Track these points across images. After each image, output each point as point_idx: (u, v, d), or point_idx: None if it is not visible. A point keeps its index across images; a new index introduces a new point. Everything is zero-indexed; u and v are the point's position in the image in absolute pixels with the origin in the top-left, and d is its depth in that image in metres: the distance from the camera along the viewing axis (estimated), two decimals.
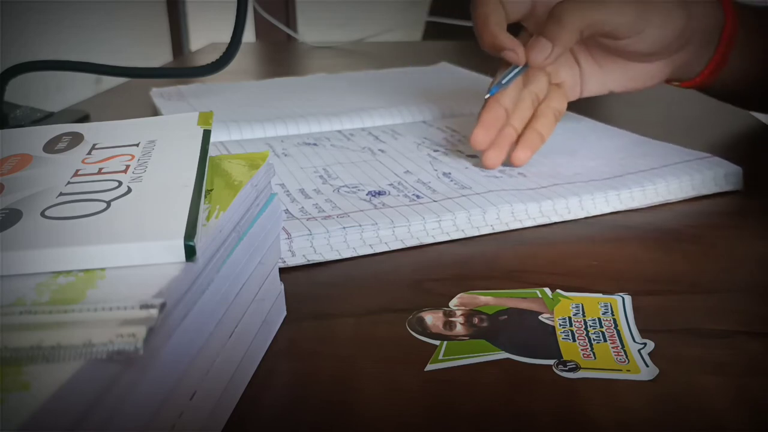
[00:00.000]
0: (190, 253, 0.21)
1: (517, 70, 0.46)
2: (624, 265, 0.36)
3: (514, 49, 0.45)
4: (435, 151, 0.51)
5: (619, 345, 0.29)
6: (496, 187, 0.42)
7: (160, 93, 0.71)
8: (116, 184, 0.25)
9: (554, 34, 0.44)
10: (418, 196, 0.42)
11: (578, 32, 0.44)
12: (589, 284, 0.34)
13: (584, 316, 0.31)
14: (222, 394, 0.24)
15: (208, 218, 0.24)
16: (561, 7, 0.45)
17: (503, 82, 0.46)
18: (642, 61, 0.50)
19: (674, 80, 0.55)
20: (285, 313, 0.32)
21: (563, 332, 0.30)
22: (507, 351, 0.28)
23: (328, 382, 0.27)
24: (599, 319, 0.31)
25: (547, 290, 0.33)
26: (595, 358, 0.28)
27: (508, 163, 0.47)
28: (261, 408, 0.26)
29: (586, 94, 0.52)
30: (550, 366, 0.27)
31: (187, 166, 0.26)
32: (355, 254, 0.37)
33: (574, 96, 0.52)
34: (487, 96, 0.47)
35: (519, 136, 0.47)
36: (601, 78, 0.51)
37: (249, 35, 1.49)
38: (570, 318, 0.31)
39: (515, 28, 0.48)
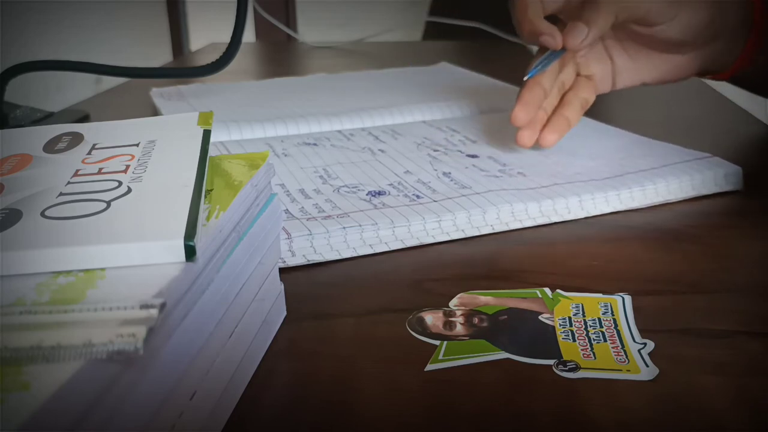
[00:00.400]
0: (190, 253, 0.21)
1: (554, 54, 0.48)
2: (624, 265, 0.36)
3: (551, 33, 0.46)
4: (435, 150, 0.51)
5: (619, 345, 0.29)
6: (496, 187, 0.42)
7: (160, 93, 0.71)
8: (116, 184, 0.25)
9: (590, 18, 0.46)
10: (418, 196, 0.42)
11: (613, 15, 0.46)
12: (589, 284, 0.34)
13: (584, 316, 0.31)
14: (222, 394, 0.24)
15: (208, 218, 0.24)
16: None
17: (541, 66, 0.48)
18: (673, 52, 0.52)
19: (706, 73, 0.55)
20: (285, 313, 0.32)
21: (563, 332, 0.30)
22: (507, 351, 0.28)
23: (328, 382, 0.27)
24: (599, 319, 0.31)
25: (547, 290, 0.33)
26: (595, 358, 0.28)
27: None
28: (261, 408, 0.26)
29: (620, 86, 0.54)
30: (550, 366, 0.27)
31: (187, 166, 0.26)
32: (355, 254, 0.37)
33: (605, 89, 0.54)
34: (526, 78, 0.48)
35: (547, 121, 0.50)
36: (634, 70, 0.53)
37: (249, 35, 1.49)
38: (570, 318, 0.31)
39: (552, 21, 0.49)
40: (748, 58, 0.53)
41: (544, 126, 0.49)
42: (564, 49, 0.47)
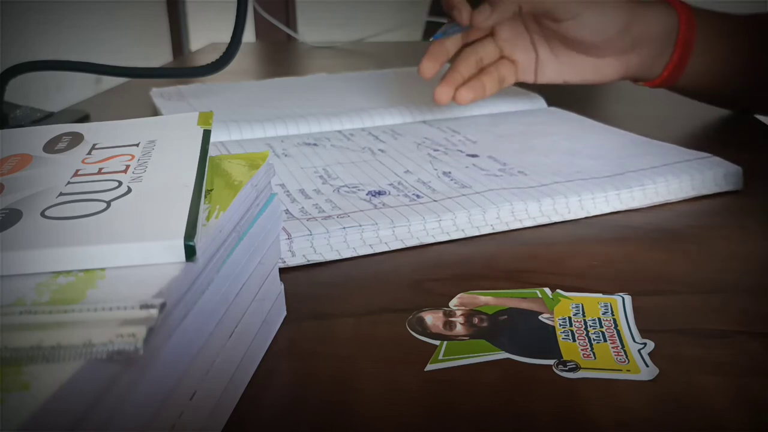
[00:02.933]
0: (190, 253, 0.21)
1: (459, 27, 0.54)
2: (624, 265, 0.36)
3: (461, 9, 0.52)
4: (435, 150, 0.51)
5: (619, 345, 0.29)
6: (496, 186, 0.42)
7: (160, 93, 0.71)
8: (116, 184, 0.25)
9: (495, 2, 0.51)
10: (418, 196, 0.42)
11: (516, 4, 0.51)
12: (589, 284, 0.34)
13: (584, 316, 0.31)
14: (222, 394, 0.24)
15: (208, 218, 0.24)
16: None
17: (446, 32, 0.55)
18: (593, 55, 0.55)
19: (636, 80, 0.59)
20: (285, 313, 0.32)
21: (563, 332, 0.30)
22: (507, 351, 0.28)
23: (328, 382, 0.27)
24: (599, 319, 0.31)
25: (547, 290, 0.33)
26: (595, 358, 0.28)
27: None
28: (261, 408, 0.26)
29: (542, 80, 0.58)
30: (550, 366, 0.27)
31: (187, 166, 0.26)
32: (355, 254, 0.37)
33: (528, 78, 0.58)
34: (432, 39, 0.55)
35: (464, 83, 0.55)
36: (557, 67, 0.57)
37: (249, 35, 1.49)
38: (570, 318, 0.31)
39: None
40: (676, 68, 0.56)
41: (461, 86, 0.54)
42: (470, 25, 0.52)
